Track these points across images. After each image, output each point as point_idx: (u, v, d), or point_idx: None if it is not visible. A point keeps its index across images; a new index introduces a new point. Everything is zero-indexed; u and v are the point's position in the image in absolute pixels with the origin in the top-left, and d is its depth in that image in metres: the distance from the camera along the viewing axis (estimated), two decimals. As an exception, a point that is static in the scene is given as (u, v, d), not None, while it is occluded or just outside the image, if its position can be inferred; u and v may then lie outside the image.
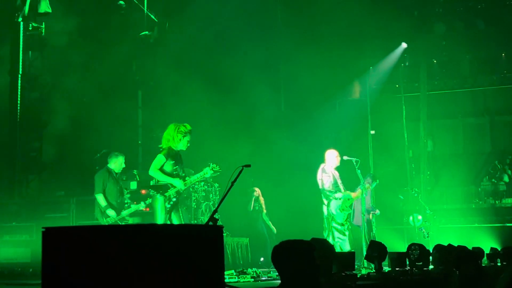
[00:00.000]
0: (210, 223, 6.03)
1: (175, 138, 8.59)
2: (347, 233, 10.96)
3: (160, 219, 8.46)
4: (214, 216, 6.15)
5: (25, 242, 11.72)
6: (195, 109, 15.61)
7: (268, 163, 15.95)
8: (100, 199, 9.87)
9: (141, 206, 10.16)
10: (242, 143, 15.11)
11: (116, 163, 10.14)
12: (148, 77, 16.26)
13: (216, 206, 7.11)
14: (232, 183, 6.48)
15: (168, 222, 8.48)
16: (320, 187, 11.06)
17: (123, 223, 9.78)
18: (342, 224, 10.96)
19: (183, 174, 8.74)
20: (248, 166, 6.79)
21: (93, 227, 3.59)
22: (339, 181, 11.21)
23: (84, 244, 3.21)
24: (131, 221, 10.53)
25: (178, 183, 8.50)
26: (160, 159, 8.52)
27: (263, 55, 16.51)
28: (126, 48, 15.09)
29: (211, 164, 8.74)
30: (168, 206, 8.52)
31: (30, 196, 13.77)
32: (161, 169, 8.49)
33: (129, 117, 15.60)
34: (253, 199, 14.30)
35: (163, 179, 8.53)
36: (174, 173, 8.58)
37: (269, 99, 16.61)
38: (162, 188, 8.55)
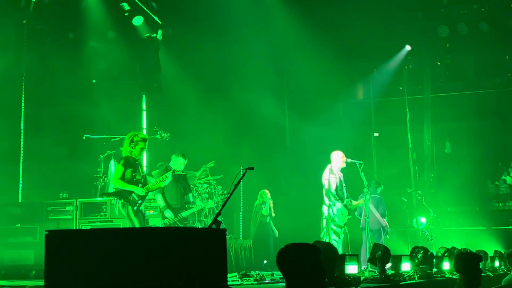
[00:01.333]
0: (214, 225, 6.03)
1: (127, 148, 9.10)
2: (342, 236, 10.98)
3: (135, 223, 8.78)
4: (217, 218, 6.15)
5: (28, 244, 11.72)
6: (199, 111, 15.63)
7: (271, 166, 15.95)
8: (159, 199, 9.96)
9: (210, 204, 10.35)
10: (245, 145, 15.11)
11: (176, 162, 10.19)
12: (152, 80, 16.25)
13: (219, 209, 7.12)
14: (236, 185, 6.49)
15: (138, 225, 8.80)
16: (326, 187, 11.05)
17: (182, 225, 9.81)
18: (341, 227, 10.98)
19: (142, 180, 9.11)
20: (251, 169, 6.80)
21: (94, 230, 3.61)
22: (344, 184, 11.25)
23: (86, 247, 3.22)
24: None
25: (138, 191, 8.89)
26: (118, 169, 9.00)
27: (266, 57, 16.51)
28: (130, 50, 15.10)
29: (173, 168, 9.40)
30: (135, 208, 8.87)
31: (34, 198, 13.78)
32: (122, 178, 8.90)
33: (134, 119, 15.60)
34: (269, 202, 14.36)
35: (125, 188, 8.89)
36: (134, 180, 8.97)
37: (273, 101, 16.61)
38: (123, 193, 8.88)
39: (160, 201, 9.97)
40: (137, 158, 9.13)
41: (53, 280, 3.38)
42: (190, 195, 10.61)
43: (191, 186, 12.27)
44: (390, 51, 19.06)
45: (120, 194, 8.92)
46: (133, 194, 8.85)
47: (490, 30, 17.67)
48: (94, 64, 14.57)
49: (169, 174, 9.28)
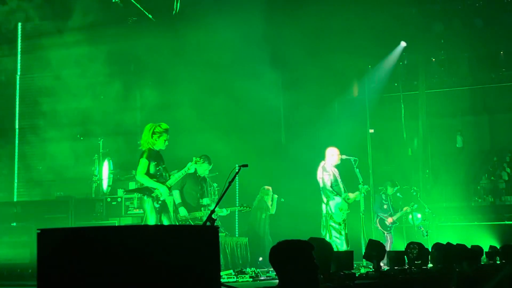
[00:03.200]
0: (208, 223, 6.03)
1: (150, 139, 8.74)
2: (343, 232, 10.96)
3: (151, 220, 8.57)
4: (212, 216, 6.16)
5: (24, 243, 11.72)
6: (195, 110, 15.61)
7: (267, 163, 15.94)
8: (176, 195, 9.89)
9: (223, 212, 10.31)
10: (240, 143, 15.09)
11: (201, 168, 10.17)
12: (147, 77, 16.23)
13: (214, 206, 7.12)
14: (230, 183, 6.49)
15: (159, 223, 8.61)
16: (321, 185, 11.06)
17: (194, 223, 9.75)
18: (340, 224, 10.96)
19: (166, 174, 8.85)
20: (246, 166, 6.80)
21: (86, 228, 3.60)
22: (339, 179, 11.22)
23: (79, 245, 3.21)
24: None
25: (163, 191, 8.58)
26: (143, 163, 8.63)
27: (262, 55, 16.48)
28: (123, 48, 15.08)
29: (194, 158, 8.94)
30: (157, 206, 8.61)
31: (30, 197, 13.79)
32: (147, 173, 8.62)
33: (127, 118, 15.58)
34: (276, 199, 14.33)
35: (150, 185, 8.61)
36: (158, 173, 8.70)
37: (268, 99, 16.59)
38: (148, 189, 8.64)
39: (177, 197, 9.82)
40: (159, 150, 8.85)
41: (46, 279, 3.37)
42: (206, 198, 10.57)
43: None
44: (385, 47, 19.05)
45: (143, 190, 8.67)
46: (156, 191, 8.60)
47: (484, 26, 17.68)
48: (90, 62, 14.57)
49: (191, 163, 8.90)
